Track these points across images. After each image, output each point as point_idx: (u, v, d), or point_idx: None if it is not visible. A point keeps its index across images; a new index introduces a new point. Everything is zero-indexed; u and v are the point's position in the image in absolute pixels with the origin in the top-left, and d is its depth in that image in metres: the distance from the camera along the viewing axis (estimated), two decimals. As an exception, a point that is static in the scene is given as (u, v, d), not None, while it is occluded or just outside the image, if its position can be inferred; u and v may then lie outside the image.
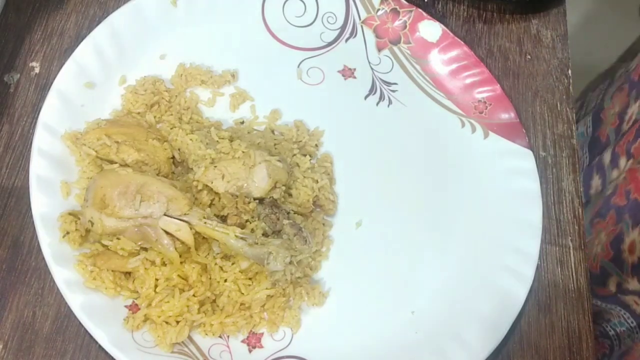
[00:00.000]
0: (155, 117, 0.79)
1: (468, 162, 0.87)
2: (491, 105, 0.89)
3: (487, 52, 0.97)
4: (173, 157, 0.76)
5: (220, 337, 0.71)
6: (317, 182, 0.77)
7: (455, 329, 0.75)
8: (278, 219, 0.72)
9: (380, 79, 0.90)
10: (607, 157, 1.12)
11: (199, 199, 0.73)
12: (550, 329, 0.80)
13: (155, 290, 0.69)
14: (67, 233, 0.69)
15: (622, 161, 1.08)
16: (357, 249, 0.79)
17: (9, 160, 0.77)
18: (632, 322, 0.99)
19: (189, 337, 0.69)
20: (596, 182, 1.16)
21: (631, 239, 0.97)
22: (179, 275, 0.69)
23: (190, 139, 0.76)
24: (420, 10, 0.92)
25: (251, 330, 0.72)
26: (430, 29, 0.92)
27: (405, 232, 0.81)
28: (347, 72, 0.90)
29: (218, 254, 0.71)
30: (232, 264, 0.71)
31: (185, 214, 0.68)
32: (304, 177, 0.77)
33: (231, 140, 0.77)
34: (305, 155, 0.80)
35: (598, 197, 1.11)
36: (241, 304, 0.71)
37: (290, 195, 0.77)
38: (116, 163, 0.72)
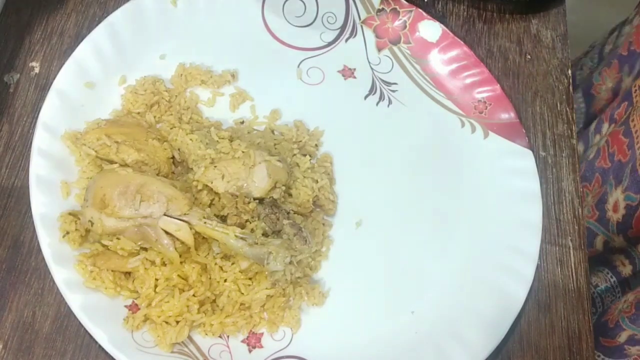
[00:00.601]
0: (155, 117, 0.79)
1: (468, 162, 0.87)
2: (491, 105, 0.89)
3: (487, 52, 0.97)
4: (173, 157, 0.76)
5: (220, 337, 0.70)
6: (317, 182, 0.77)
7: (455, 329, 0.75)
8: (278, 219, 0.72)
9: (380, 79, 0.90)
10: (592, 124, 1.14)
11: (198, 199, 0.73)
12: (550, 328, 0.80)
13: (155, 290, 0.69)
14: (67, 233, 0.69)
15: (605, 126, 1.10)
16: (357, 249, 0.79)
17: (8, 160, 0.77)
18: (614, 281, 1.01)
19: (189, 337, 0.69)
20: (579, 147, 1.18)
21: (614, 198, 0.99)
22: (178, 275, 0.69)
23: (190, 139, 0.76)
24: (420, 10, 0.92)
25: (251, 330, 0.72)
26: (430, 29, 0.92)
27: (405, 232, 0.81)
28: (347, 72, 0.90)
29: (218, 254, 0.71)
30: (232, 264, 0.70)
31: (185, 214, 0.68)
32: (304, 177, 0.77)
33: (231, 140, 0.77)
34: (305, 155, 0.80)
35: (581, 162, 1.13)
36: (241, 304, 0.71)
37: (290, 195, 0.77)
38: (116, 163, 0.72)
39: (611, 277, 1.03)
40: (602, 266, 1.05)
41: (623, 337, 0.93)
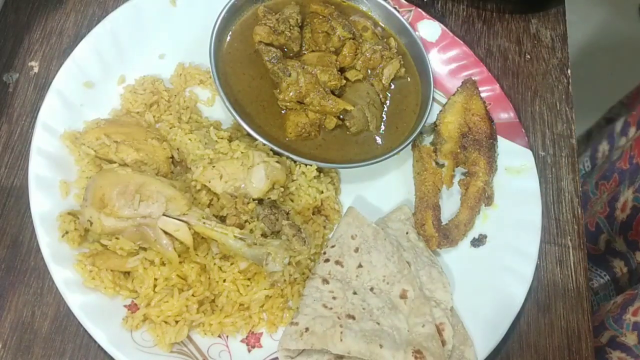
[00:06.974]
0: (154, 116, 0.79)
1: (467, 162, 0.87)
2: (490, 104, 0.89)
3: (486, 51, 0.97)
4: (172, 157, 0.76)
5: (219, 336, 0.71)
6: (321, 192, 0.78)
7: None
8: (277, 220, 0.72)
9: (380, 78, 0.90)
10: (618, 125, 1.16)
11: (197, 199, 0.72)
12: (550, 328, 0.80)
13: (154, 290, 0.69)
14: (66, 232, 0.69)
15: (632, 130, 1.13)
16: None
17: (8, 159, 0.77)
18: (609, 282, 1.05)
19: (188, 337, 0.69)
20: (604, 147, 1.21)
21: (625, 197, 1.01)
22: (178, 275, 0.69)
23: (189, 139, 0.76)
24: (420, 9, 0.93)
25: (250, 330, 0.72)
26: (430, 28, 0.92)
27: (405, 232, 0.81)
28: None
29: (217, 254, 0.71)
30: (231, 264, 0.70)
31: (184, 214, 0.68)
32: (309, 185, 0.77)
33: (230, 140, 0.77)
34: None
35: (604, 162, 1.16)
36: (240, 304, 0.71)
37: (292, 200, 0.77)
38: (115, 163, 0.72)
39: (608, 281, 1.06)
40: (601, 269, 1.07)
41: (605, 337, 0.94)
